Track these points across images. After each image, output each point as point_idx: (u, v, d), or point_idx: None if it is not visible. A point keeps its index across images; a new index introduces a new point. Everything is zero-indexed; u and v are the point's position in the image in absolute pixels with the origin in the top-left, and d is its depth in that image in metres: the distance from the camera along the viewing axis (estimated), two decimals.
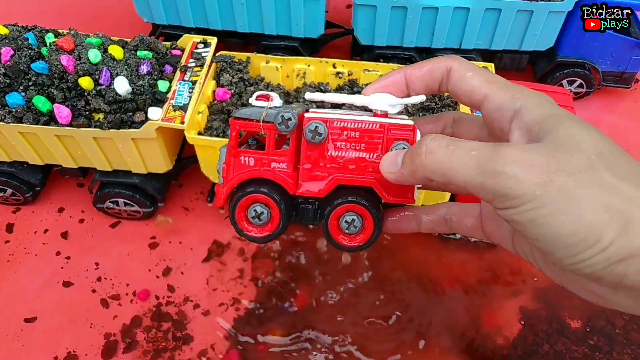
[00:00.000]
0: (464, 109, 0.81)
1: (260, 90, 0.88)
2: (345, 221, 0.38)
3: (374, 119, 0.37)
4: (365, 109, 0.38)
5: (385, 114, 0.37)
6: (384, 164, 0.35)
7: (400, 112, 0.38)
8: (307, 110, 0.38)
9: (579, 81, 1.14)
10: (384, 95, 0.37)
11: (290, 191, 0.38)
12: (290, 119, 0.36)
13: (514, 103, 0.32)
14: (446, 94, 0.90)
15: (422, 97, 0.37)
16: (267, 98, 0.39)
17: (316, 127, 0.36)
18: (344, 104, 0.38)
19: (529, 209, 0.27)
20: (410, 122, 0.36)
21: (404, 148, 0.35)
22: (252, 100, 0.39)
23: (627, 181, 0.27)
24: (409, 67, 0.37)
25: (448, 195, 0.81)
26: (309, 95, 0.38)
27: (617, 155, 0.28)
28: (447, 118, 0.40)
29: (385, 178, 0.35)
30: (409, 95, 0.37)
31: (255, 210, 0.38)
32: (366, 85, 0.43)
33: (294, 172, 0.38)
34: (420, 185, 0.38)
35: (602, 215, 0.26)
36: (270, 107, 0.38)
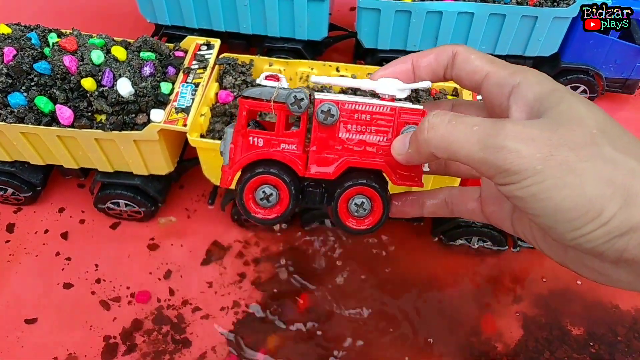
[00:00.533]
0: (466, 98, 0.81)
1: None
2: (355, 204, 0.37)
3: (385, 102, 0.36)
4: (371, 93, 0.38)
5: (392, 99, 0.37)
6: (395, 146, 0.35)
7: (407, 99, 0.38)
8: (311, 95, 0.38)
9: (582, 87, 1.14)
10: (392, 80, 0.37)
11: (299, 173, 0.37)
12: (302, 99, 0.36)
13: (513, 79, 0.32)
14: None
15: (428, 83, 0.37)
16: (276, 78, 0.38)
17: (329, 108, 0.36)
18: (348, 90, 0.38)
19: (531, 184, 0.27)
20: (420, 107, 0.37)
21: None
22: (261, 80, 0.38)
23: (629, 156, 0.27)
24: (416, 54, 0.37)
25: (458, 181, 0.79)
26: (315, 79, 0.38)
27: (618, 131, 0.28)
28: (446, 104, 0.41)
29: (396, 160, 0.35)
30: (415, 82, 0.38)
31: (264, 192, 0.37)
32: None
33: (304, 154, 0.38)
34: (427, 169, 0.39)
35: (604, 189, 0.26)
36: (280, 88, 0.37)
